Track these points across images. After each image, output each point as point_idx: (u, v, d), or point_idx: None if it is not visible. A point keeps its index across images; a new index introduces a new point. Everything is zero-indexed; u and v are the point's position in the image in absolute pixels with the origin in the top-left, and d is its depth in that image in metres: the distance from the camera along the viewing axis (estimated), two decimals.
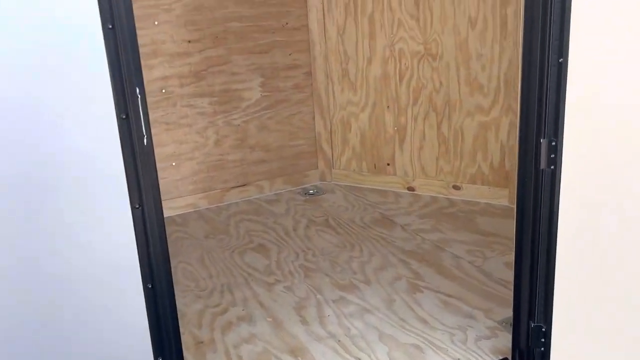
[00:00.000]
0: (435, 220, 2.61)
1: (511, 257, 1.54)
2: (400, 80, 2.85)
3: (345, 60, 2.97)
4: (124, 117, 1.15)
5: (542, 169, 1.35)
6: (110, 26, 1.13)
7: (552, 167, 1.33)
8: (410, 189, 2.98)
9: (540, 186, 1.37)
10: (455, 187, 2.85)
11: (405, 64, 2.81)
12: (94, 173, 1.16)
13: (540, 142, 1.34)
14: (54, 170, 1.12)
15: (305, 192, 3.08)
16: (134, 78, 1.16)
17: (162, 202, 1.27)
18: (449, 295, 1.99)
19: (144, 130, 1.17)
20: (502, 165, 2.70)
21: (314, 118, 3.13)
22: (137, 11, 2.56)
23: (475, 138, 2.73)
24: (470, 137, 2.74)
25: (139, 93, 1.16)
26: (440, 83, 2.74)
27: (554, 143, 1.32)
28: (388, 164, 3.03)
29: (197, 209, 2.90)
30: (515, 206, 1.45)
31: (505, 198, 2.73)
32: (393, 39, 2.80)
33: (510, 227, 1.63)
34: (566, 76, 1.28)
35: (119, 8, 1.13)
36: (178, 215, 2.83)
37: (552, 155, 1.32)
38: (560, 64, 1.27)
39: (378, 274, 2.16)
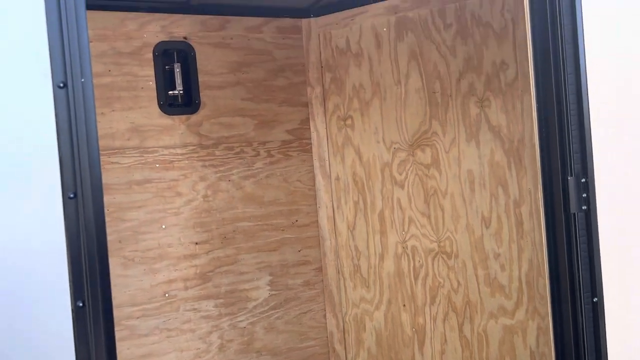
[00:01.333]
0: None
1: None
2: (415, 278, 2.71)
3: (357, 256, 2.88)
4: None
5: (574, 213, 1.10)
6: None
7: (585, 207, 1.09)
8: None
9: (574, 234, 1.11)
10: None
11: (419, 261, 2.69)
12: None
13: (567, 181, 1.11)
14: None
15: None
16: None
17: None
18: None
19: None
20: None
21: (325, 316, 2.95)
22: (144, 216, 2.57)
23: (501, 343, 2.50)
24: (496, 342, 2.51)
25: None
26: (458, 282, 2.59)
27: (584, 180, 1.10)
28: None
29: None
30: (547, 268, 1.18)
31: None
32: (405, 236, 2.73)
33: None
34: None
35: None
36: None
37: (584, 195, 1.09)
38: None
39: None
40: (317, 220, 2.95)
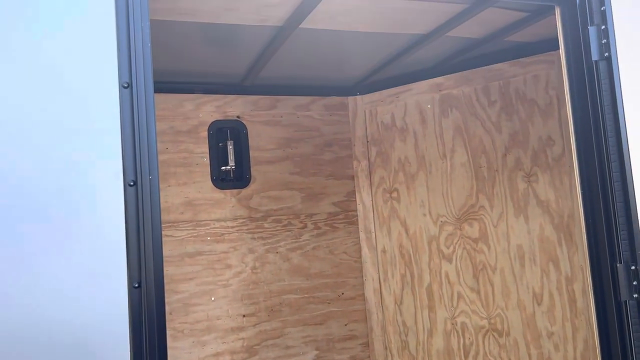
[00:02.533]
0: None
1: None
2: (466, 356, 2.63)
3: (405, 332, 2.83)
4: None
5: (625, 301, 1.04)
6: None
7: (637, 295, 1.03)
8: None
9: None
10: None
11: (469, 339, 2.62)
12: None
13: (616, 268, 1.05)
14: None
15: None
16: None
17: None
18: None
19: None
20: None
21: None
22: (195, 288, 2.63)
23: None
24: None
25: None
26: None
27: (633, 267, 1.04)
28: None
29: None
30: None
31: None
32: (454, 312, 2.68)
33: None
34: None
35: None
36: None
37: (635, 283, 1.03)
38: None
39: None
40: (363, 293, 2.94)
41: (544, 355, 2.41)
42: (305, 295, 2.82)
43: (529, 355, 2.45)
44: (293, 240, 2.84)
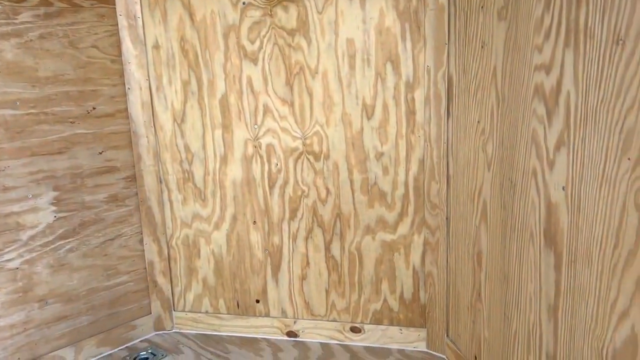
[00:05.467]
0: None
1: None
2: (271, 187, 2.03)
3: (188, 159, 2.07)
4: None
5: None
6: None
7: None
8: (291, 334, 2.13)
9: None
10: (355, 330, 2.08)
11: (277, 165, 2.00)
12: None
13: None
14: None
15: (134, 357, 2.04)
16: None
17: None
18: None
19: None
20: (416, 298, 2.01)
21: (142, 241, 2.14)
22: None
23: (378, 263, 2.01)
24: (372, 262, 2.01)
25: None
26: (327, 191, 1.99)
27: None
28: (258, 301, 2.15)
29: None
30: None
31: (422, 341, 2.02)
32: (257, 131, 1.99)
33: None
34: None
35: None
36: None
37: None
38: None
39: None
40: (126, 108, 2.03)
41: (370, 181, 1.94)
42: (33, 111, 1.80)
43: (351, 182, 1.95)
44: (4, 22, 1.72)
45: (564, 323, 1.22)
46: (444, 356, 1.97)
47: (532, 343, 1.37)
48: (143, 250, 2.15)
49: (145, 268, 2.16)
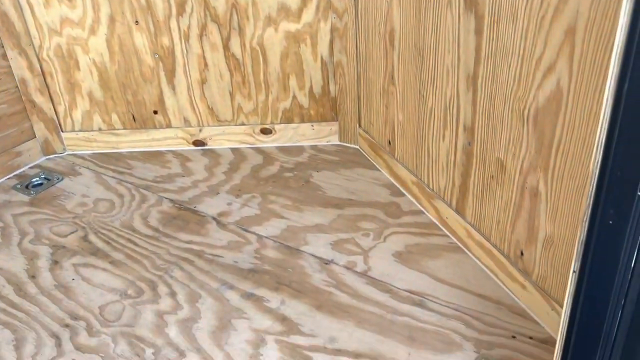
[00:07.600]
0: (259, 196, 1.74)
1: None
2: None
3: None
4: None
5: None
6: None
7: None
8: (199, 143, 2.01)
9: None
10: (265, 131, 1.98)
11: None
12: None
13: None
14: None
15: (26, 184, 1.85)
16: None
17: None
18: (359, 356, 1.23)
19: None
20: (326, 92, 1.91)
21: (5, 56, 1.81)
22: None
23: (283, 57, 1.85)
24: (277, 57, 1.85)
25: None
26: None
27: None
28: (155, 112, 1.96)
29: None
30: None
31: (334, 135, 1.98)
32: None
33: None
34: None
35: None
36: None
37: None
38: None
39: (219, 343, 1.26)
40: None
41: None
42: None
43: None
44: None
45: (484, 91, 1.17)
46: (357, 146, 1.95)
47: (450, 117, 1.33)
48: (10, 67, 1.83)
49: (17, 87, 1.87)
